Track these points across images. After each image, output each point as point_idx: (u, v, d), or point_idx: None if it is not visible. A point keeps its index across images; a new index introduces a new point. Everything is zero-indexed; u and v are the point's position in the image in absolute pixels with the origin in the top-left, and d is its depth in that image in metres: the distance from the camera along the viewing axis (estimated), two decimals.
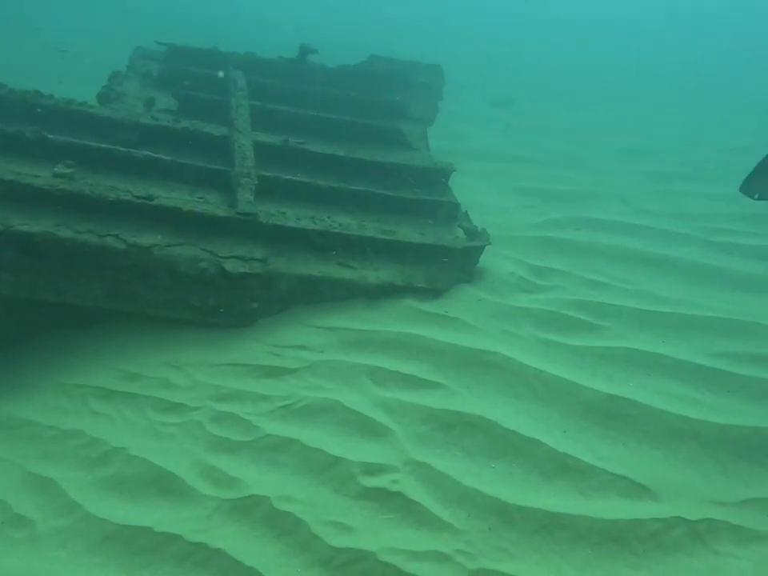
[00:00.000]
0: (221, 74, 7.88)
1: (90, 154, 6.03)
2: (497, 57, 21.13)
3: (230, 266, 5.26)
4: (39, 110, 6.52)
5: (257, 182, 5.91)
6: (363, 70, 8.86)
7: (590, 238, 7.51)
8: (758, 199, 5.36)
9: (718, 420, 4.56)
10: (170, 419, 4.49)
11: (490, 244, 6.25)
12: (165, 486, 3.94)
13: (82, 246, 5.01)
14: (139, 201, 5.38)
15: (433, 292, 5.89)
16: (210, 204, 5.67)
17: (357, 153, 7.03)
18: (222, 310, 5.40)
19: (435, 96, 9.02)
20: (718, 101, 17.50)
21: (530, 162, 10.82)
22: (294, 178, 6.46)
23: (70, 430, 4.38)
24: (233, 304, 5.40)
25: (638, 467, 4.15)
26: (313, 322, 5.53)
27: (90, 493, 3.91)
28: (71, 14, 18.89)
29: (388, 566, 3.39)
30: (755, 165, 5.32)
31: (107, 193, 5.34)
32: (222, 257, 5.31)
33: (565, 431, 4.46)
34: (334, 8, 24.99)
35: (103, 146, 6.13)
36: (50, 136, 5.99)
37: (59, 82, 10.81)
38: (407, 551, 3.48)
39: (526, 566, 3.47)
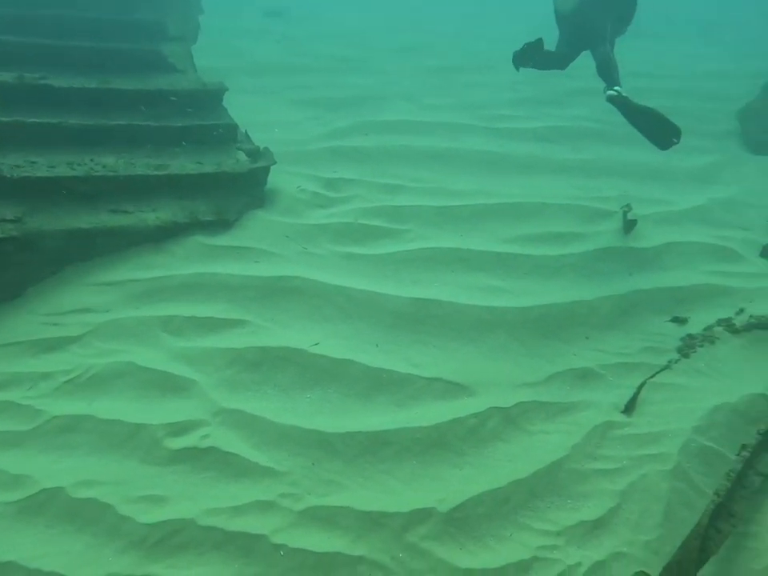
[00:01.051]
0: None
1: None
2: None
3: None
4: None
5: None
6: None
7: (379, 142, 7.41)
8: (520, 67, 5.62)
9: (520, 304, 4.76)
10: None
11: (275, 163, 5.92)
12: None
13: None
14: None
15: (222, 224, 5.49)
16: None
17: (112, 83, 6.25)
18: None
19: (195, 10, 8.26)
20: None
21: (310, 71, 10.43)
22: (40, 120, 5.60)
23: None
24: None
25: (451, 366, 4.22)
26: (92, 280, 4.94)
27: None
28: None
29: (210, 530, 3.17)
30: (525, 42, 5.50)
31: None
32: None
33: (377, 345, 4.41)
34: None
35: None
36: None
37: None
38: (229, 508, 3.27)
39: (353, 491, 3.40)
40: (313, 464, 3.55)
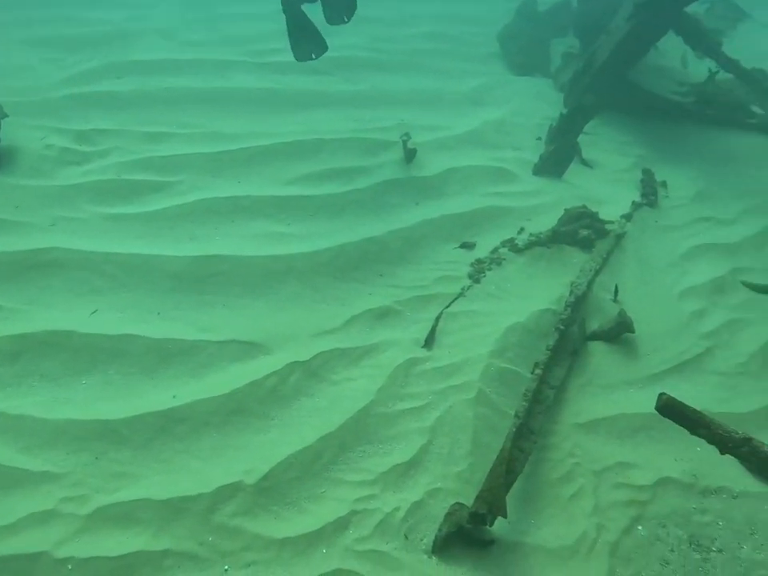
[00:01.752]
0: None
1: None
2: None
3: None
4: None
5: None
6: None
7: (135, 85, 6.71)
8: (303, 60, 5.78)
9: (308, 248, 4.57)
10: None
11: (7, 116, 5.08)
12: None
13: None
14: None
15: None
16: None
17: None
18: None
19: None
20: None
21: (43, 3, 9.12)
22: None
23: None
24: None
25: (242, 325, 3.96)
26: None
27: None
28: None
29: None
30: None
31: None
32: None
33: (159, 313, 4.02)
34: None
35: None
36: None
37: None
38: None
39: (149, 480, 3.07)
40: (97, 458, 3.15)
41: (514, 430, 3.08)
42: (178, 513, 2.92)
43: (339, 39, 8.63)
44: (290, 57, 7.56)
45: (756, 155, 7.93)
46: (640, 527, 3.01)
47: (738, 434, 2.48)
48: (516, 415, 3.19)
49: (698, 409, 2.56)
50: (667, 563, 2.88)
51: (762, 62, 8.08)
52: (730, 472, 3.28)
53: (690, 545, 2.96)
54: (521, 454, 3.07)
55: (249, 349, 3.81)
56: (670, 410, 2.52)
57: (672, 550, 2.93)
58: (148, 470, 3.14)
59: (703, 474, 3.28)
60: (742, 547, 2.97)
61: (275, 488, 3.06)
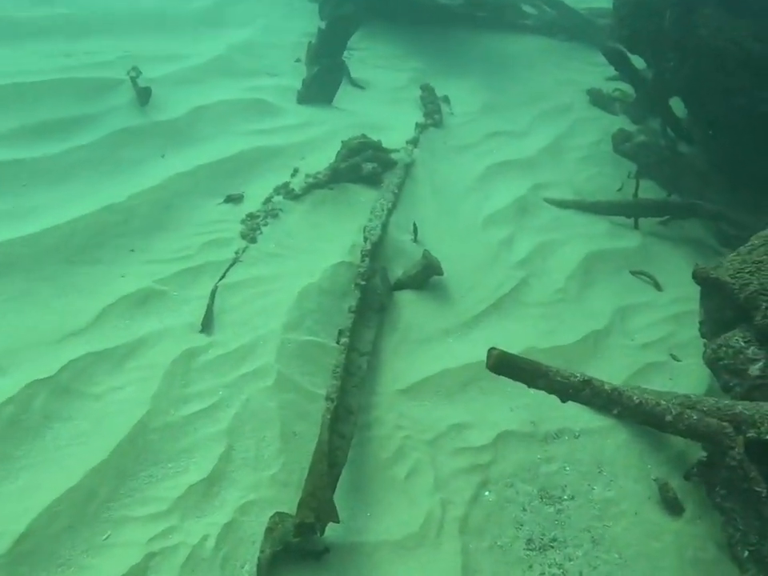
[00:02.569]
0: None
1: None
2: None
3: None
4: None
5: None
6: None
7: None
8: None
9: (29, 230, 4.12)
10: None
11: None
12: None
13: None
14: None
15: None
16: None
17: None
18: None
19: None
20: None
21: None
22: None
23: None
24: None
25: None
26: None
27: None
28: None
29: None
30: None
31: None
32: None
33: None
34: None
35: None
36: None
37: None
38: None
39: None
40: None
41: (329, 415, 3.01)
42: None
43: None
44: None
45: (534, 58, 8.53)
46: (487, 493, 3.12)
47: (576, 377, 2.62)
48: (328, 397, 3.13)
49: (529, 356, 2.67)
50: (521, 525, 3.02)
51: None
52: (567, 411, 3.49)
53: (542, 499, 3.13)
54: (342, 440, 3.02)
55: None
56: (503, 365, 2.60)
57: (524, 510, 3.08)
58: None
59: (542, 418, 3.48)
60: (593, 488, 3.21)
61: (39, 549, 2.74)
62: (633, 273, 5.11)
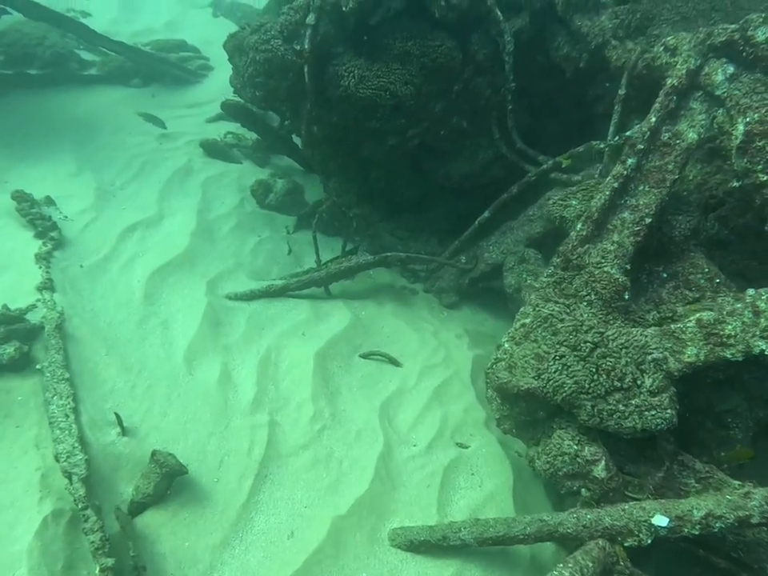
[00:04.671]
0: None
1: None
2: None
3: None
4: None
5: None
6: None
7: None
8: None
9: None
10: None
11: None
12: None
13: None
14: None
15: None
16: None
17: None
18: None
19: None
20: None
21: None
22: None
23: None
24: None
25: None
26: None
27: None
28: None
29: None
30: None
31: None
32: None
33: None
34: None
35: None
36: None
37: None
38: None
39: None
40: None
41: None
42: None
43: None
44: None
45: (119, 112, 7.38)
46: None
47: None
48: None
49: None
50: None
51: None
52: None
53: None
54: None
55: None
56: None
57: None
58: None
59: None
60: None
61: None
62: (363, 356, 4.52)
